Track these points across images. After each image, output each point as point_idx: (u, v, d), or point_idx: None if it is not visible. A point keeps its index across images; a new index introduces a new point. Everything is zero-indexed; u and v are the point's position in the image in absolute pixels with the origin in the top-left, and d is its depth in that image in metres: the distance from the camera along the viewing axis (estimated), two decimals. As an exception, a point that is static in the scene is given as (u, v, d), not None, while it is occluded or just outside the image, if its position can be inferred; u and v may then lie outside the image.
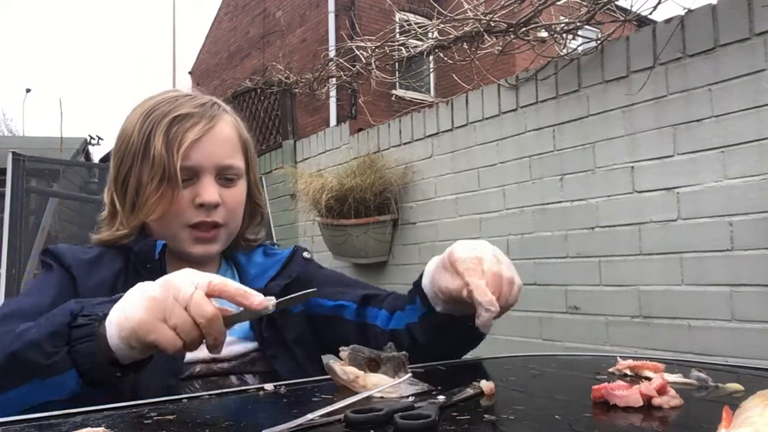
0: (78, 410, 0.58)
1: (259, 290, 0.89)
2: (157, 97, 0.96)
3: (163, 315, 0.64)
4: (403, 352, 0.70)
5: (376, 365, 0.69)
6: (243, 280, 1.01)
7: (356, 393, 0.62)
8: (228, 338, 0.87)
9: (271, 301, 0.67)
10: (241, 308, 0.68)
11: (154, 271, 0.87)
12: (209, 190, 0.91)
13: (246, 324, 0.93)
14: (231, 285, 0.68)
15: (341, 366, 0.67)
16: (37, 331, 0.67)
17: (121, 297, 0.70)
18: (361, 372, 0.66)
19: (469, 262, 0.79)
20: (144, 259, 0.90)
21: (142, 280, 0.81)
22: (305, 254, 1.06)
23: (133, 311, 0.65)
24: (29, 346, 0.66)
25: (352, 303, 0.99)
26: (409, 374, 0.68)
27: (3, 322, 0.77)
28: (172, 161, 0.88)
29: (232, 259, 1.05)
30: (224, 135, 0.94)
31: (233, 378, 0.89)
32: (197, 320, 0.64)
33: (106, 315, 0.67)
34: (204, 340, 0.67)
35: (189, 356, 0.85)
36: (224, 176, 0.94)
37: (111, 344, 0.66)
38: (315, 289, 0.79)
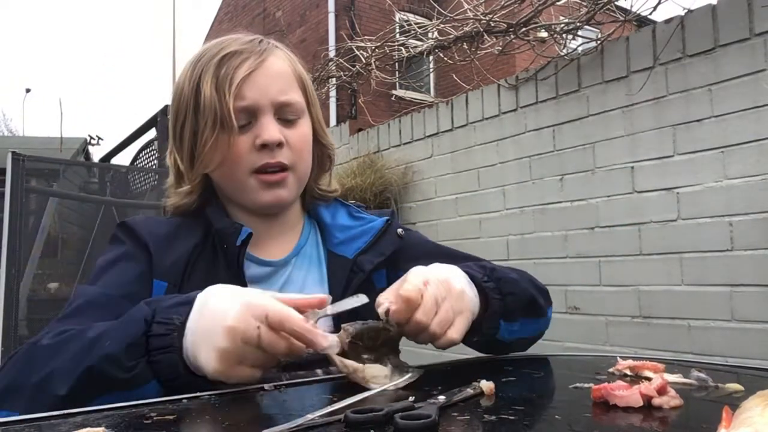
0: (78, 410, 0.58)
1: (346, 262, 0.88)
2: (206, 45, 0.90)
3: (238, 360, 0.64)
4: (397, 330, 0.70)
5: (370, 348, 0.69)
6: (328, 246, 0.94)
7: (356, 393, 0.62)
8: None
9: (334, 341, 0.66)
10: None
11: (231, 254, 0.83)
12: (269, 129, 0.84)
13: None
14: (291, 321, 0.64)
15: (341, 360, 0.67)
16: (111, 343, 0.64)
17: (191, 300, 0.67)
18: (360, 365, 0.66)
19: (411, 287, 0.70)
20: (224, 240, 0.84)
21: (218, 259, 0.79)
22: (399, 230, 0.95)
23: (207, 362, 0.63)
24: (106, 360, 0.63)
25: None
26: (409, 375, 0.69)
27: (74, 315, 0.74)
28: (224, 102, 0.82)
29: (315, 215, 0.97)
30: (277, 69, 0.87)
31: (319, 371, 0.81)
32: (273, 353, 0.65)
33: (183, 323, 0.65)
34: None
35: None
36: (284, 116, 0.87)
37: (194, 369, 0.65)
38: (367, 300, 0.73)
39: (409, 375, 0.68)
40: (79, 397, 0.62)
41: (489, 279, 0.82)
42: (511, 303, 0.82)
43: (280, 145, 0.85)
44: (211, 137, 0.83)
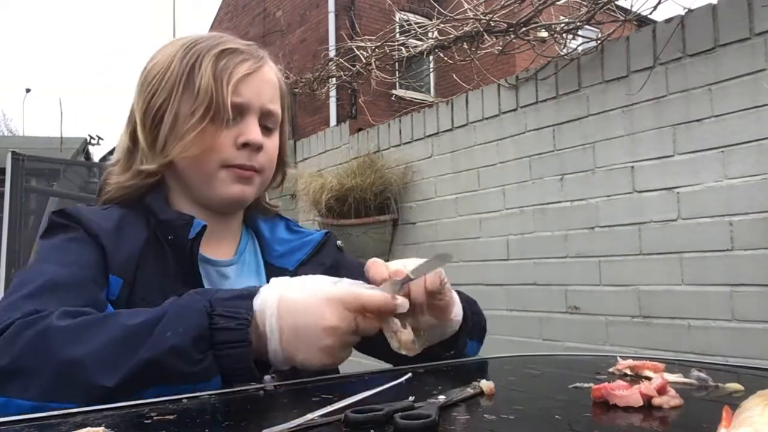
0: (78, 410, 0.58)
1: (287, 273, 0.88)
2: (194, 35, 0.89)
3: (342, 350, 0.67)
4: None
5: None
6: (266, 257, 0.94)
7: (356, 393, 0.62)
8: None
9: (406, 302, 0.69)
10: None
11: (181, 248, 0.80)
12: (254, 130, 0.85)
13: None
14: (387, 308, 0.67)
15: (393, 320, 0.69)
16: (172, 334, 0.61)
17: (252, 294, 0.66)
18: (401, 327, 0.69)
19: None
20: (173, 233, 0.81)
21: (166, 254, 0.78)
22: (338, 242, 1.00)
23: (308, 357, 0.65)
24: (171, 352, 0.60)
25: None
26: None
27: (42, 295, 0.69)
28: (221, 93, 0.81)
29: (253, 227, 0.97)
30: (270, 77, 0.89)
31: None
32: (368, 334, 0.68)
33: (252, 316, 0.64)
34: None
35: None
36: (266, 123, 0.88)
37: (273, 363, 0.67)
38: (449, 254, 0.77)
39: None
40: (128, 390, 0.60)
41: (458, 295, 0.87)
42: (474, 323, 0.88)
43: (259, 148, 0.86)
44: (200, 125, 0.81)
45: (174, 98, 0.83)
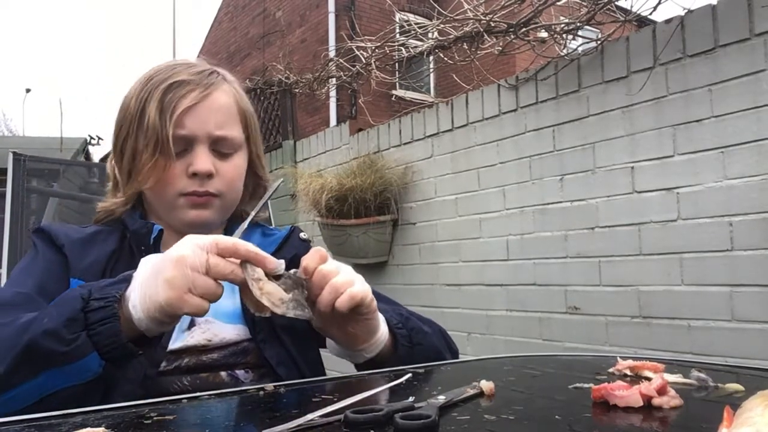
0: (78, 410, 0.58)
1: None
2: (160, 65, 0.95)
3: (187, 288, 0.66)
4: (303, 277, 0.75)
5: (276, 279, 0.72)
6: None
7: (356, 393, 0.62)
8: (218, 323, 0.89)
9: (281, 262, 0.71)
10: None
11: (145, 253, 0.85)
12: (201, 160, 0.89)
13: (237, 308, 0.92)
14: (241, 246, 0.69)
15: (251, 265, 0.69)
16: (49, 320, 0.67)
17: (128, 278, 0.70)
18: (265, 277, 0.70)
19: (323, 251, 0.80)
20: (139, 241, 0.89)
21: (136, 261, 0.80)
22: (302, 235, 1.04)
23: (155, 292, 0.66)
24: (45, 335, 0.65)
25: None
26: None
27: None
28: (165, 129, 0.87)
29: (230, 232, 1.00)
30: (220, 104, 0.92)
31: (223, 374, 0.87)
32: (220, 280, 0.68)
33: (121, 296, 0.68)
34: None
35: (178, 344, 0.85)
36: (219, 149, 0.92)
37: (139, 325, 0.67)
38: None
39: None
40: (19, 374, 0.65)
41: (402, 327, 0.88)
42: (418, 353, 0.87)
43: (210, 175, 0.90)
44: (150, 159, 0.88)
45: (131, 134, 0.91)
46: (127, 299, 0.68)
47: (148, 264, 0.70)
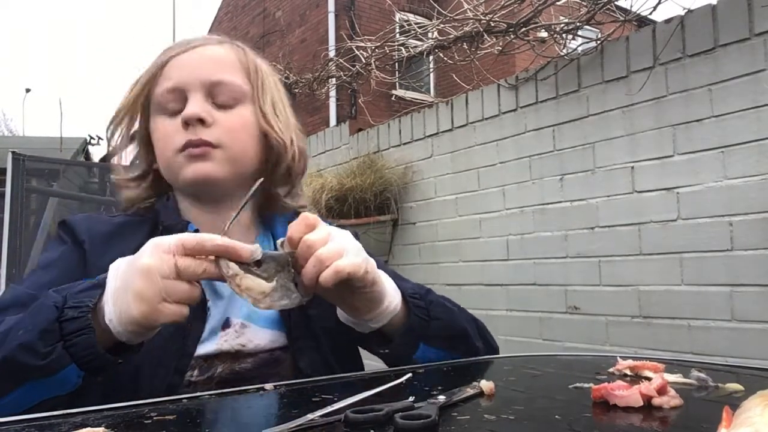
0: (78, 410, 0.58)
1: None
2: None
3: (160, 298, 0.61)
4: (289, 251, 0.67)
5: (258, 265, 0.66)
6: None
7: (356, 393, 0.62)
8: (254, 327, 0.83)
9: (257, 248, 0.64)
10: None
11: None
12: (191, 105, 0.82)
13: (275, 312, 0.85)
14: (208, 242, 0.63)
15: (225, 262, 0.64)
16: (24, 332, 0.63)
17: (102, 283, 0.66)
18: (240, 272, 0.64)
19: (312, 216, 0.71)
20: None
21: None
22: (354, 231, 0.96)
23: (128, 308, 0.61)
24: (19, 349, 0.62)
25: None
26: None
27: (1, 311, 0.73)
28: (154, 84, 0.85)
29: (271, 228, 0.94)
30: (213, 53, 0.86)
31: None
32: (194, 281, 0.63)
33: (95, 305, 0.64)
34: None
35: (211, 348, 0.79)
36: (218, 98, 0.84)
37: (119, 337, 0.64)
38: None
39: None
40: (0, 387, 0.63)
41: (420, 298, 0.82)
42: (436, 328, 0.81)
43: (202, 122, 0.82)
44: (153, 122, 0.86)
45: (135, 114, 0.90)
46: (102, 309, 0.64)
47: (118, 272, 0.65)
